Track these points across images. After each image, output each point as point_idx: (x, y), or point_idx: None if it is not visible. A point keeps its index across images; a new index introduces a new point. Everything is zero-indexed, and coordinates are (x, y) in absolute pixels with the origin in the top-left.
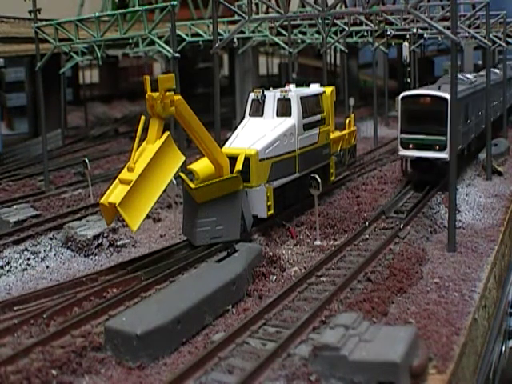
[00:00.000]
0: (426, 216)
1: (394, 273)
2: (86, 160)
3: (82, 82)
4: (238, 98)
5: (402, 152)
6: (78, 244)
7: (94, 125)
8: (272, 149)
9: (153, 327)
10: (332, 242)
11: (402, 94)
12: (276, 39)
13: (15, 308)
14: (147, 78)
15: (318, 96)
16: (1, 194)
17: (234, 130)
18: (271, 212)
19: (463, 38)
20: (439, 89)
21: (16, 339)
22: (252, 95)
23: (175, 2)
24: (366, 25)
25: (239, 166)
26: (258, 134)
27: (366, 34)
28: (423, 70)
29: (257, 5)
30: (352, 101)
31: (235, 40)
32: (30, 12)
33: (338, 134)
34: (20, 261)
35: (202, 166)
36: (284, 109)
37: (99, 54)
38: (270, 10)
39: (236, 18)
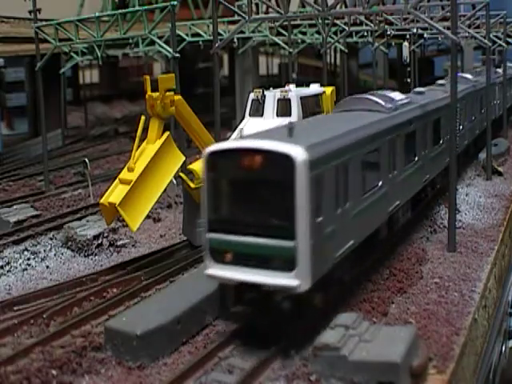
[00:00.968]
0: (426, 216)
1: (393, 273)
2: (86, 160)
3: (82, 82)
4: (238, 98)
5: (212, 270)
6: (78, 244)
7: (93, 125)
8: None
9: (153, 327)
10: None
11: (210, 150)
12: (276, 39)
13: (15, 308)
14: (147, 78)
15: (317, 96)
16: (1, 194)
17: (234, 129)
18: None
19: (463, 38)
20: (289, 133)
21: (16, 339)
22: (252, 95)
23: (175, 2)
24: (366, 25)
25: None
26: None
27: (365, 34)
28: (423, 70)
29: (257, 5)
30: None
31: (235, 40)
32: (30, 12)
33: None
34: (20, 261)
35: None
36: (284, 109)
37: (99, 54)
38: (270, 10)
39: (236, 18)
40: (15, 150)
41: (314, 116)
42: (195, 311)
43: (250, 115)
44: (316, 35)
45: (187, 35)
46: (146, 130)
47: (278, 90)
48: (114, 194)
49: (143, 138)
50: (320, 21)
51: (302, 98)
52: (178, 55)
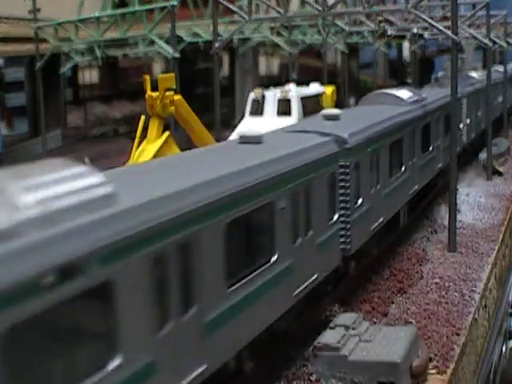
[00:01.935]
0: (426, 216)
1: (394, 273)
2: (86, 160)
3: (81, 83)
4: (238, 98)
5: None
6: None
7: (93, 125)
8: None
9: None
10: None
11: None
12: (276, 39)
13: None
14: (147, 78)
15: (318, 96)
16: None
17: (233, 129)
18: None
19: (463, 39)
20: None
21: None
22: (252, 95)
23: (175, 3)
24: (367, 25)
25: None
26: None
27: (366, 34)
28: (423, 70)
29: (257, 5)
30: (352, 101)
31: (234, 40)
32: (30, 12)
33: None
34: None
35: None
36: (284, 108)
37: (99, 55)
38: (271, 10)
39: (236, 18)
40: (15, 150)
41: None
42: None
43: (249, 114)
44: (316, 36)
45: (187, 36)
46: (145, 129)
47: (278, 89)
48: None
49: (143, 138)
50: (320, 21)
51: (302, 97)
52: (177, 55)
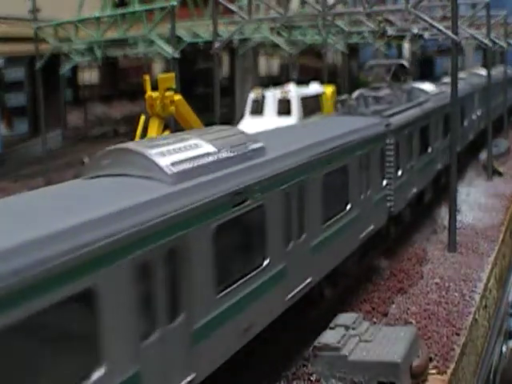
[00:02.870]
0: (426, 216)
1: (394, 273)
2: (86, 160)
3: (81, 83)
4: (238, 98)
5: None
6: None
7: (93, 125)
8: None
9: None
10: None
11: None
12: (276, 40)
13: None
14: (147, 77)
15: (318, 96)
16: (1, 194)
17: None
18: None
19: (463, 39)
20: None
21: None
22: (252, 95)
23: (175, 3)
24: (367, 25)
25: None
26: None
27: (366, 34)
28: (423, 70)
29: (257, 5)
30: None
31: (234, 41)
32: (29, 12)
33: None
34: None
35: None
36: (284, 108)
37: (99, 55)
38: (271, 10)
39: (236, 18)
40: (15, 150)
41: None
42: None
43: (250, 114)
44: (316, 36)
45: (187, 36)
46: (145, 129)
47: (278, 89)
48: None
49: (143, 138)
50: (320, 21)
51: (302, 97)
52: (177, 55)
